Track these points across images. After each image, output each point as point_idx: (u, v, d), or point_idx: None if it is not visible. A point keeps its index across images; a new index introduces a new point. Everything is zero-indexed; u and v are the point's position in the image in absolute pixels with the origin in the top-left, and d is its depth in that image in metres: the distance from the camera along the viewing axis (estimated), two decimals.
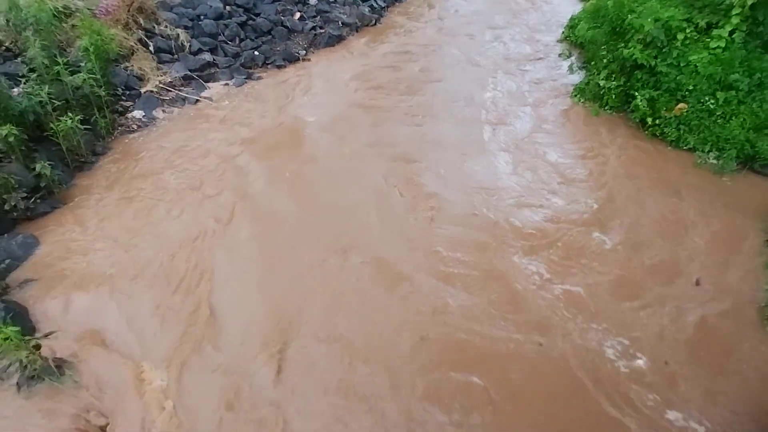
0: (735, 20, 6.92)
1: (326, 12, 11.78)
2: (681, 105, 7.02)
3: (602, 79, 7.97)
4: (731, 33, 6.99)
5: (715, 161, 6.61)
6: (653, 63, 7.26)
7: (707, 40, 7.07)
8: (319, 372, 4.21)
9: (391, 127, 7.76)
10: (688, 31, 7.20)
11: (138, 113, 7.52)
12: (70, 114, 6.10)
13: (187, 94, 8.23)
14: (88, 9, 8.11)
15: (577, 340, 4.43)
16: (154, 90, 8.00)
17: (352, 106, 8.29)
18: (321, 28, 11.19)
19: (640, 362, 4.21)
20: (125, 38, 8.12)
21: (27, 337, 4.10)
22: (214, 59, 9.18)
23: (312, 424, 3.85)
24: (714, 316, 4.59)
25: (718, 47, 6.96)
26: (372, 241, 5.55)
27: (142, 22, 8.59)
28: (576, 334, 4.47)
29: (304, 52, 10.37)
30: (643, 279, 4.99)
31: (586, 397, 3.98)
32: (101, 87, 6.83)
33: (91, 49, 6.77)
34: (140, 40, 8.44)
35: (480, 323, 4.61)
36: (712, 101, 6.79)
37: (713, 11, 7.19)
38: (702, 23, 7.18)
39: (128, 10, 8.43)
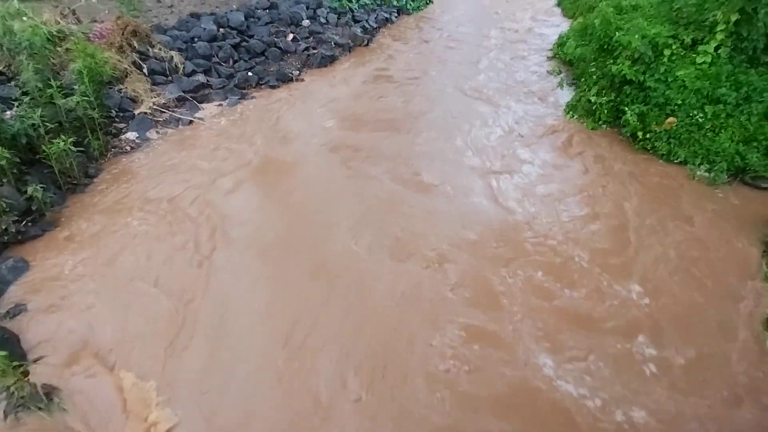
0: (720, 36, 7.07)
1: (319, 33, 11.97)
2: (670, 119, 7.11)
3: (593, 95, 8.09)
4: (716, 48, 7.14)
5: (706, 174, 6.67)
6: (642, 78, 7.38)
7: (693, 55, 7.21)
8: None
9: (378, 167, 7.13)
10: (674, 47, 7.34)
11: (131, 135, 7.52)
12: (62, 136, 6.08)
13: (180, 115, 8.26)
14: (82, 33, 8.18)
15: None
16: (148, 111, 8.01)
17: (337, 140, 7.94)
18: (314, 48, 11.34)
19: None
20: (119, 61, 8.17)
21: (15, 363, 4.01)
22: (207, 80, 9.25)
23: None
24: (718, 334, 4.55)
25: (704, 62, 7.10)
26: (354, 332, 4.50)
27: (136, 45, 8.66)
28: None
29: (298, 72, 10.48)
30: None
31: None
32: (94, 109, 6.84)
33: (84, 72, 6.80)
34: (134, 63, 8.50)
35: None
36: (701, 115, 6.88)
37: (698, 28, 7.36)
38: (687, 40, 7.33)
39: (122, 34, 8.51)
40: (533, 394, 3.99)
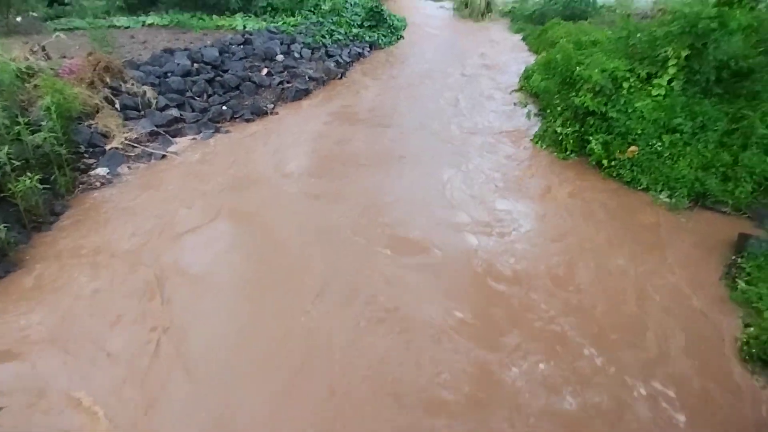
0: (672, 70, 7.53)
1: (293, 67, 12.18)
2: (632, 148, 7.45)
3: (558, 126, 8.42)
4: (669, 82, 7.58)
5: (667, 200, 6.96)
6: (604, 109, 7.74)
7: (649, 88, 7.64)
8: None
9: (351, 216, 6.69)
10: (631, 80, 7.77)
11: (102, 170, 7.39)
12: (29, 174, 5.94)
13: (153, 149, 8.18)
14: (51, 69, 8.12)
15: None
16: (120, 147, 7.91)
17: (309, 182, 7.65)
18: (288, 82, 11.51)
19: None
20: (90, 96, 8.10)
21: None
22: (181, 114, 9.23)
23: None
24: (689, 353, 4.66)
25: (659, 95, 7.52)
26: None
27: (108, 80, 8.62)
28: None
29: (272, 105, 10.58)
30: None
31: None
32: (62, 145, 6.72)
33: (52, 108, 6.71)
34: (106, 98, 8.43)
35: None
36: (659, 144, 7.24)
37: (651, 63, 7.82)
38: (643, 73, 7.78)
39: (94, 69, 8.47)
40: None
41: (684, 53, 7.44)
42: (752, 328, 4.71)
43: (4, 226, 5.39)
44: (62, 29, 12.07)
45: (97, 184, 7.20)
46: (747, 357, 4.53)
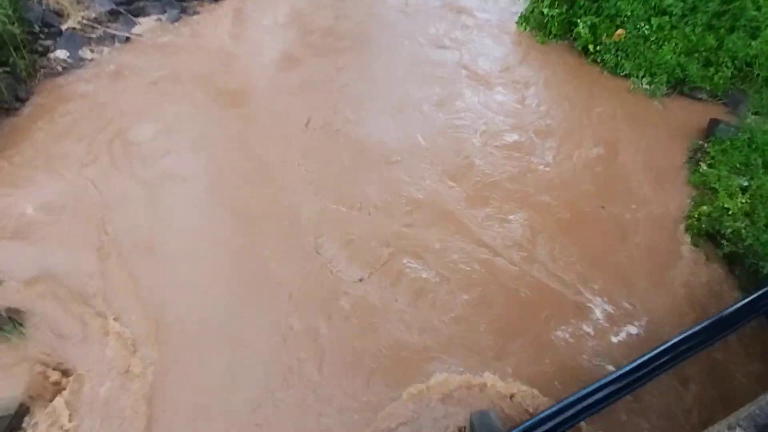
0: None
1: None
2: (620, 31, 7.20)
3: (546, 7, 7.97)
4: None
5: (647, 86, 6.92)
6: None
7: None
8: None
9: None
10: None
11: (61, 53, 6.92)
12: None
13: (115, 31, 7.61)
14: None
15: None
16: (77, 27, 7.33)
17: (287, 73, 7.26)
18: None
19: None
20: None
21: None
22: None
23: None
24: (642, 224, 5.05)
25: None
26: None
27: None
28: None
29: None
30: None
31: None
32: (14, 24, 6.21)
33: None
34: None
35: None
36: (647, 27, 7.00)
37: None
38: None
39: None
40: None
41: None
42: (705, 207, 5.05)
43: None
44: None
45: (59, 68, 6.80)
46: (696, 232, 4.94)
